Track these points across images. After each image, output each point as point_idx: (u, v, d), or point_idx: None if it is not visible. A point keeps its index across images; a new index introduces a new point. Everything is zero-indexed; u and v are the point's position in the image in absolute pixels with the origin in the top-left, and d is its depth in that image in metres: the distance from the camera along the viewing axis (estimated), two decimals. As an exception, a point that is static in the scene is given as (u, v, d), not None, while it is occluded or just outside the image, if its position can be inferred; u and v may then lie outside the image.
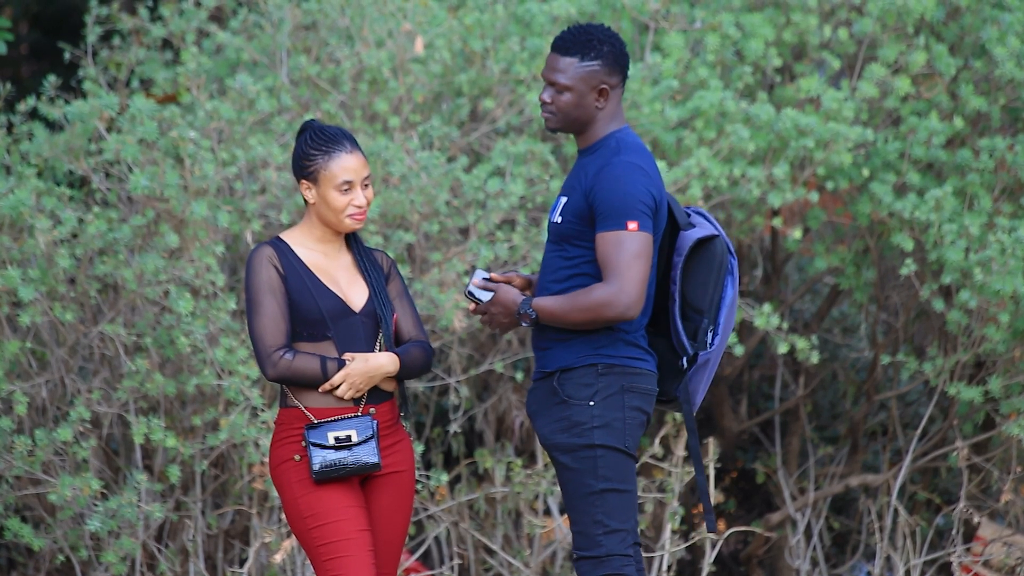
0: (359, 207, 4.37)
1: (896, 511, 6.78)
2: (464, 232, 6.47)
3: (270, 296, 4.32)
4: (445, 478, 6.19)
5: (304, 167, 4.36)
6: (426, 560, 6.82)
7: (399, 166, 6.17)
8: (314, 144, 4.35)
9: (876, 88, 6.44)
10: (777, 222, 6.59)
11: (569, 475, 4.37)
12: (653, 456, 6.65)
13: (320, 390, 4.33)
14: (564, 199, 4.41)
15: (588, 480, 4.34)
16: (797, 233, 6.64)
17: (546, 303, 4.35)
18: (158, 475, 6.10)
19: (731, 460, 7.56)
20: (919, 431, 6.71)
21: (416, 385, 6.65)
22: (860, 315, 7.57)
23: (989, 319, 6.25)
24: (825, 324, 7.71)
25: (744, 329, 6.84)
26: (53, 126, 6.45)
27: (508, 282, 4.49)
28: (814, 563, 7.08)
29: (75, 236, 5.93)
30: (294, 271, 4.35)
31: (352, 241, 4.47)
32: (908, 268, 6.34)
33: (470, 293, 4.46)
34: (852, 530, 7.44)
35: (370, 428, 4.34)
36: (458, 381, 6.50)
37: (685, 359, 4.41)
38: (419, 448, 6.04)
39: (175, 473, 5.75)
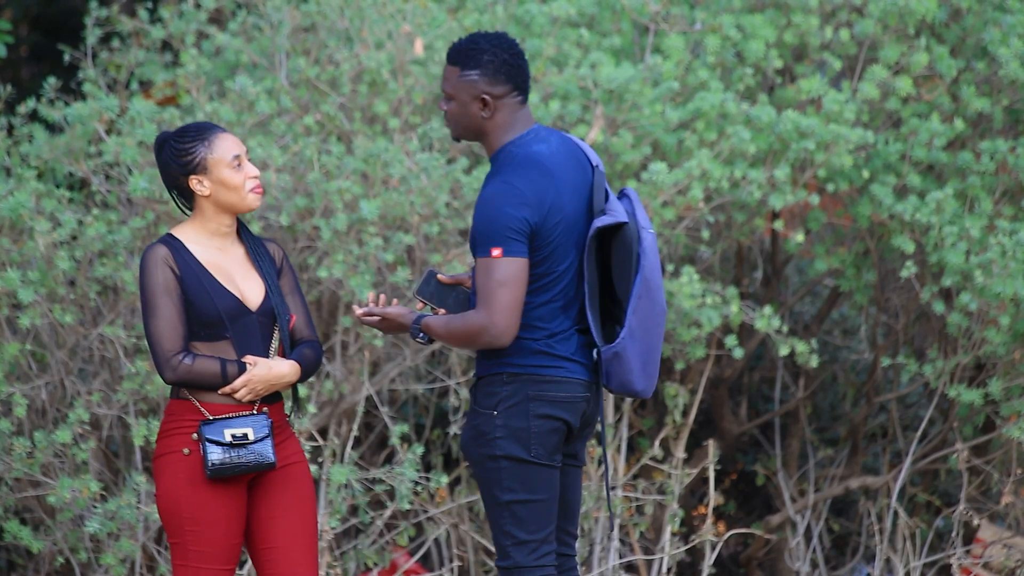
0: (255, 178, 4.38)
1: (896, 513, 6.78)
2: (464, 234, 6.46)
3: (166, 298, 4.29)
4: (445, 480, 6.18)
5: (188, 162, 4.34)
6: (426, 562, 6.81)
7: (399, 168, 6.16)
8: (187, 138, 4.36)
9: (877, 89, 6.44)
10: (778, 224, 6.59)
11: (479, 484, 4.40)
12: (653, 458, 6.64)
13: (219, 393, 4.33)
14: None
15: (494, 491, 4.35)
16: (800, 236, 6.63)
17: (433, 324, 4.36)
18: (158, 477, 6.09)
19: (731, 462, 7.56)
20: (919, 433, 6.71)
21: (416, 387, 6.66)
22: (860, 317, 7.57)
23: (989, 321, 6.24)
24: (825, 326, 7.70)
25: (744, 331, 6.83)
26: (53, 128, 6.45)
27: (460, 283, 4.49)
28: (814, 565, 7.07)
29: (75, 238, 5.93)
30: (190, 270, 4.33)
31: (244, 233, 4.46)
32: (908, 270, 6.33)
33: (418, 293, 4.47)
34: (852, 532, 7.44)
35: (266, 427, 4.33)
36: (458, 383, 6.50)
37: (596, 352, 4.36)
38: (419, 450, 6.03)
39: (175, 475, 5.74)
